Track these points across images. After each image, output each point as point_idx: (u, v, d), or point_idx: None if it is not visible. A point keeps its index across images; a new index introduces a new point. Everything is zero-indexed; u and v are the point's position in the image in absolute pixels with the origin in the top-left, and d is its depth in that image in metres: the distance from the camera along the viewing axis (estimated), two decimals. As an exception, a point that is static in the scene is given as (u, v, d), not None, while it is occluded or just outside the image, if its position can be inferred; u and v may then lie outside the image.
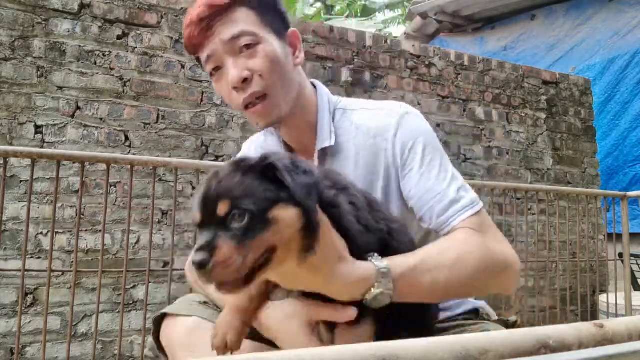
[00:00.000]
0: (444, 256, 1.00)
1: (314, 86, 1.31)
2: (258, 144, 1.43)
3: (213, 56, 1.16)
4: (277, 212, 0.75)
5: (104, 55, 3.24)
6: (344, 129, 1.23)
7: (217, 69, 1.18)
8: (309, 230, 0.78)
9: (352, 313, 0.86)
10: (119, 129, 3.23)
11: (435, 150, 1.17)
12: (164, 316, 1.15)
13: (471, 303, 1.34)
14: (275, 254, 0.77)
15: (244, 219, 0.73)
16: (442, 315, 1.28)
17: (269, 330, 0.96)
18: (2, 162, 2.16)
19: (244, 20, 1.15)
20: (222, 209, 0.74)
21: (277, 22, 1.21)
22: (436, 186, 1.12)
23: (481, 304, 1.36)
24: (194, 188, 3.33)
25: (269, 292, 0.96)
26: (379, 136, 1.19)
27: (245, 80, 1.13)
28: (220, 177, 0.79)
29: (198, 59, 1.27)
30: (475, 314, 1.34)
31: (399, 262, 0.92)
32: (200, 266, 0.71)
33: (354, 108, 1.27)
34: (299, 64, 1.24)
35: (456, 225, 1.09)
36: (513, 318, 1.34)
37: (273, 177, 0.77)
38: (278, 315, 0.94)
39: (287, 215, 0.76)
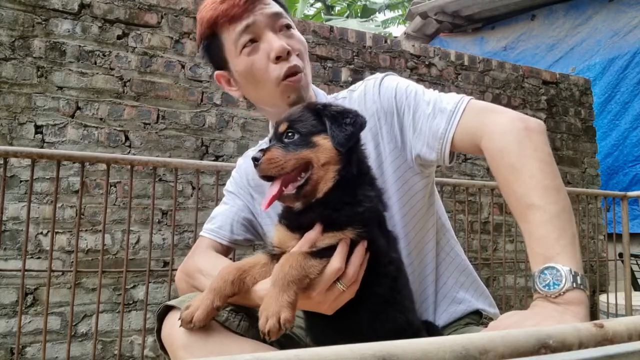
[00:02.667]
0: (523, 171, 0.98)
1: None
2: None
3: (253, 26, 1.23)
4: (317, 138, 1.03)
5: (104, 55, 3.24)
6: None
7: (252, 41, 1.24)
8: (344, 159, 1.02)
9: (319, 227, 1.00)
10: (119, 129, 3.23)
11: (412, 85, 1.27)
12: (166, 311, 1.14)
13: (472, 304, 1.34)
14: (313, 171, 1.01)
15: (293, 136, 1.03)
16: (447, 317, 1.29)
17: (261, 290, 1.01)
18: (2, 162, 2.16)
19: (277, 7, 1.28)
20: (282, 127, 1.05)
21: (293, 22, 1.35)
22: (426, 110, 1.19)
23: (482, 306, 1.36)
24: (193, 188, 3.33)
25: (246, 284, 1.04)
26: (368, 100, 1.29)
27: (288, 54, 1.23)
28: (291, 110, 1.12)
29: (212, 38, 1.29)
30: (478, 315, 1.34)
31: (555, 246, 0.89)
32: (254, 160, 1.01)
33: (344, 96, 1.38)
34: None
35: (456, 132, 1.13)
36: None
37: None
38: (266, 281, 1.01)
39: (324, 143, 1.03)
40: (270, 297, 0.90)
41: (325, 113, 1.05)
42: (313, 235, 1.00)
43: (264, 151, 1.01)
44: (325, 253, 0.98)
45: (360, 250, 0.99)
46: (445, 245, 1.38)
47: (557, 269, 0.86)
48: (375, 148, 1.27)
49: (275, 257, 1.06)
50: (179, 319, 1.02)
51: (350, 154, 1.04)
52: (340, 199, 1.02)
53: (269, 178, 1.03)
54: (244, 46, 1.24)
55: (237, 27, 1.23)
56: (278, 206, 1.16)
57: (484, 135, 1.09)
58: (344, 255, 0.98)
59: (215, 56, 1.32)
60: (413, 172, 1.27)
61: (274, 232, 1.11)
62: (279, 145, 1.02)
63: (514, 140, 1.02)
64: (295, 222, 1.06)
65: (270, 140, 1.08)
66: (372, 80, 1.32)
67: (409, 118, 1.22)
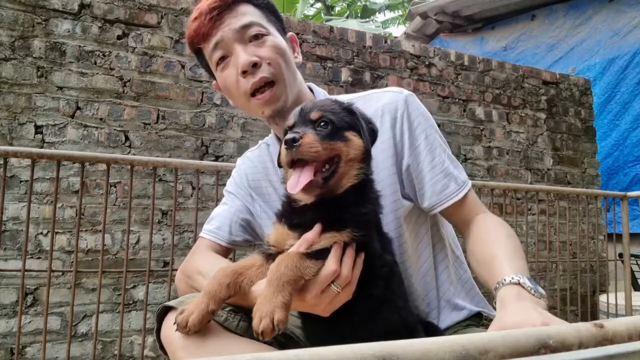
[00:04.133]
0: (512, 240, 1.15)
1: (310, 89, 1.40)
2: (253, 158, 1.47)
3: (221, 43, 1.24)
4: (350, 134, 1.04)
5: (104, 55, 3.24)
6: None
7: (224, 58, 1.26)
8: (366, 160, 1.06)
9: (318, 228, 1.01)
10: (119, 129, 3.23)
11: (436, 132, 1.30)
12: (165, 312, 1.14)
13: (473, 310, 1.34)
14: (339, 165, 1.02)
15: (327, 126, 1.02)
16: (450, 319, 1.29)
17: (258, 291, 1.00)
18: (2, 162, 2.16)
19: (252, 14, 1.25)
20: (315, 115, 1.03)
21: (279, 24, 1.32)
22: (439, 163, 1.23)
23: (482, 309, 1.37)
24: (193, 188, 3.33)
25: (242, 287, 1.03)
26: (387, 113, 1.26)
27: (255, 65, 1.21)
28: (320, 100, 1.16)
29: (199, 54, 1.33)
30: (479, 317, 1.34)
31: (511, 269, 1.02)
32: (293, 141, 0.96)
33: (352, 99, 1.33)
34: (298, 63, 1.35)
35: (456, 201, 1.22)
36: None
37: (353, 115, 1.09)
38: (263, 282, 0.99)
39: (355, 139, 1.05)
40: (265, 297, 0.90)
41: (359, 113, 1.08)
42: (311, 236, 0.99)
43: (300, 133, 0.98)
44: (321, 254, 0.97)
45: (350, 252, 0.99)
46: (448, 252, 1.38)
47: (529, 279, 1.00)
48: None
49: (271, 257, 1.06)
50: (175, 323, 1.02)
51: (370, 156, 1.08)
52: (353, 198, 1.03)
53: (295, 163, 0.99)
54: (217, 63, 1.28)
55: (209, 45, 1.26)
56: (277, 204, 1.16)
57: (482, 213, 1.25)
58: (338, 257, 0.98)
59: (206, 68, 1.37)
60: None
61: (271, 231, 1.11)
62: (314, 132, 1.00)
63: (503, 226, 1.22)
64: (295, 219, 1.06)
65: (294, 125, 1.05)
66: (397, 90, 1.31)
67: (420, 153, 1.26)
